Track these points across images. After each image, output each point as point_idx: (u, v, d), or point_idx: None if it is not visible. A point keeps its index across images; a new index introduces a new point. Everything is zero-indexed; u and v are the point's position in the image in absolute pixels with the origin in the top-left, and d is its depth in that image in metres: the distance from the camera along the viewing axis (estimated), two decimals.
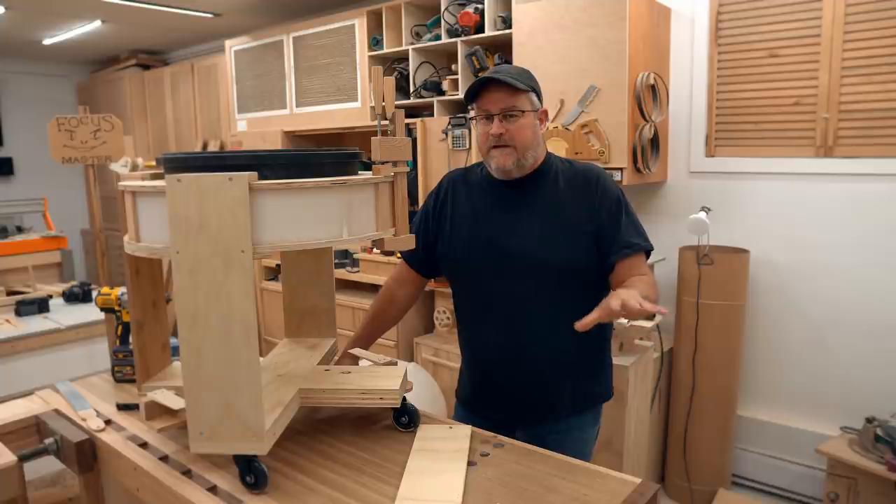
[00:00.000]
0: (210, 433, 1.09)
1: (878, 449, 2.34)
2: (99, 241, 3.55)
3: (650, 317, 2.55)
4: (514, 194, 1.53)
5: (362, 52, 3.56)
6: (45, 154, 3.58)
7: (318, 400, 1.31)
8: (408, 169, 1.21)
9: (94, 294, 3.08)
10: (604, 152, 2.69)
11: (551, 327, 1.50)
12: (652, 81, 2.72)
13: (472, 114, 1.52)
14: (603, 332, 1.61)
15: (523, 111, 1.46)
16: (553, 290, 1.49)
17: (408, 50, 3.36)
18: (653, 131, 2.74)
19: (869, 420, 2.40)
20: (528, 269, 1.49)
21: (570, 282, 1.50)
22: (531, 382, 1.54)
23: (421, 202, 3.29)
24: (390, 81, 1.20)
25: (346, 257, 3.62)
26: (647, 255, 1.54)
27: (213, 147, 5.03)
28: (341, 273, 3.52)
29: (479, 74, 3.08)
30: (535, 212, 1.51)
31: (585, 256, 1.49)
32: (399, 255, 1.73)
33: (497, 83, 1.44)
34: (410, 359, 3.28)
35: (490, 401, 1.62)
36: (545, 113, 1.54)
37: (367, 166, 1.27)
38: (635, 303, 1.19)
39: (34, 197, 5.04)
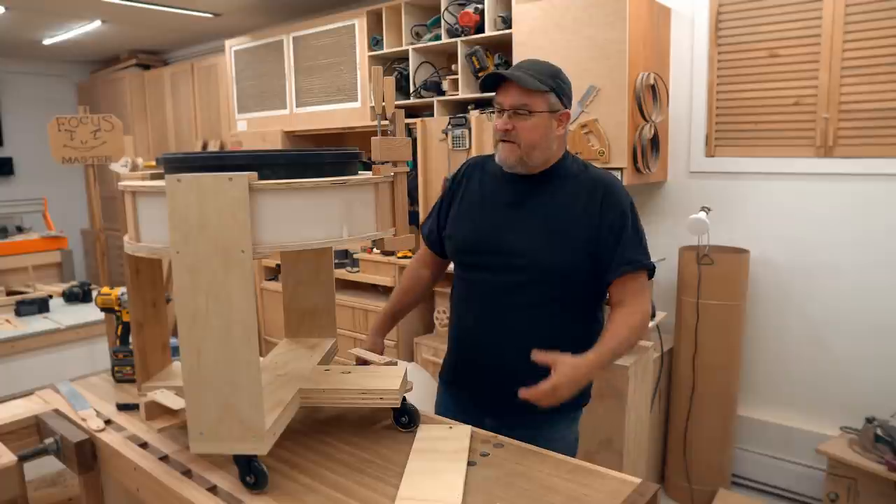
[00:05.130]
0: (210, 433, 1.09)
1: (878, 449, 2.34)
2: (99, 241, 3.55)
3: (650, 317, 2.55)
4: (522, 189, 1.54)
5: (362, 52, 3.56)
6: (45, 154, 3.58)
7: (318, 400, 1.31)
8: (408, 169, 1.21)
9: (94, 294, 3.08)
10: (604, 152, 2.69)
11: (529, 323, 1.51)
12: (652, 81, 2.72)
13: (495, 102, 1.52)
14: (589, 339, 1.48)
15: (534, 111, 1.44)
16: (538, 289, 1.50)
17: (408, 50, 3.36)
18: (653, 131, 2.74)
19: (869, 420, 2.40)
20: (517, 265, 1.50)
21: (556, 284, 1.50)
22: (501, 373, 1.52)
23: (421, 202, 3.29)
24: (390, 81, 1.20)
25: (346, 257, 3.62)
26: (650, 272, 1.50)
27: (213, 147, 5.03)
28: (341, 273, 3.52)
29: (480, 74, 3.08)
30: (538, 210, 1.51)
31: (575, 262, 1.48)
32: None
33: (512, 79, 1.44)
34: (410, 359, 3.28)
35: (463, 382, 1.66)
36: (567, 115, 1.51)
37: (367, 166, 1.27)
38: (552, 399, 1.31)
39: (34, 197, 5.04)
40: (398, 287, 1.79)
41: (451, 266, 1.72)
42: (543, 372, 1.45)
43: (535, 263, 1.49)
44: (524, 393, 1.31)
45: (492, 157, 1.66)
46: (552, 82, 1.46)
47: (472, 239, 1.58)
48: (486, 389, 1.58)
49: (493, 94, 1.51)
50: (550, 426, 1.57)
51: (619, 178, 2.70)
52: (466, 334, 1.62)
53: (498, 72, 1.45)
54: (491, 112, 1.54)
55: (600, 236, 1.47)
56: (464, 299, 1.63)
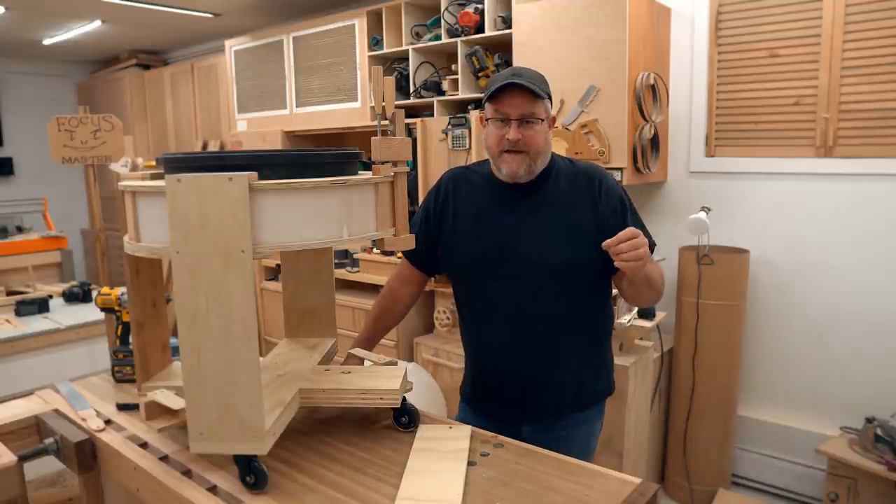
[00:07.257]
0: (210, 433, 1.09)
1: (878, 449, 2.34)
2: (99, 241, 3.54)
3: (650, 317, 2.55)
4: (519, 195, 1.54)
5: (362, 52, 3.55)
6: (45, 154, 3.57)
7: (318, 400, 1.31)
8: (408, 169, 1.21)
9: (94, 294, 3.08)
10: (604, 152, 2.69)
11: (555, 325, 1.52)
12: (652, 81, 2.72)
13: (488, 113, 1.49)
14: (604, 328, 1.65)
15: (540, 119, 1.46)
16: (557, 288, 1.51)
17: (408, 50, 3.36)
18: (653, 131, 2.74)
19: (869, 420, 2.40)
20: (533, 269, 1.50)
21: (572, 280, 1.52)
22: (535, 380, 1.56)
23: (421, 202, 3.28)
24: (390, 81, 1.20)
25: (346, 257, 3.62)
26: (652, 250, 1.54)
27: (213, 147, 5.03)
28: (341, 273, 3.52)
29: (480, 74, 3.08)
30: (540, 212, 1.52)
31: (588, 256, 1.50)
32: (401, 254, 1.73)
33: (520, 88, 1.42)
34: (410, 359, 3.28)
35: (494, 398, 1.62)
36: (553, 119, 1.54)
37: (367, 166, 1.27)
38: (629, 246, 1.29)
39: (34, 197, 5.04)
40: (376, 309, 1.73)
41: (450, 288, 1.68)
42: (569, 373, 1.57)
43: (556, 262, 1.49)
44: (608, 243, 1.30)
45: (470, 168, 1.67)
46: (546, 88, 1.48)
47: (485, 251, 1.54)
48: (523, 400, 1.58)
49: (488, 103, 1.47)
50: (585, 422, 1.61)
51: (619, 177, 2.70)
52: (494, 348, 1.58)
53: (511, 81, 1.42)
54: (499, 120, 1.51)
55: (607, 223, 1.49)
56: (482, 315, 1.59)
